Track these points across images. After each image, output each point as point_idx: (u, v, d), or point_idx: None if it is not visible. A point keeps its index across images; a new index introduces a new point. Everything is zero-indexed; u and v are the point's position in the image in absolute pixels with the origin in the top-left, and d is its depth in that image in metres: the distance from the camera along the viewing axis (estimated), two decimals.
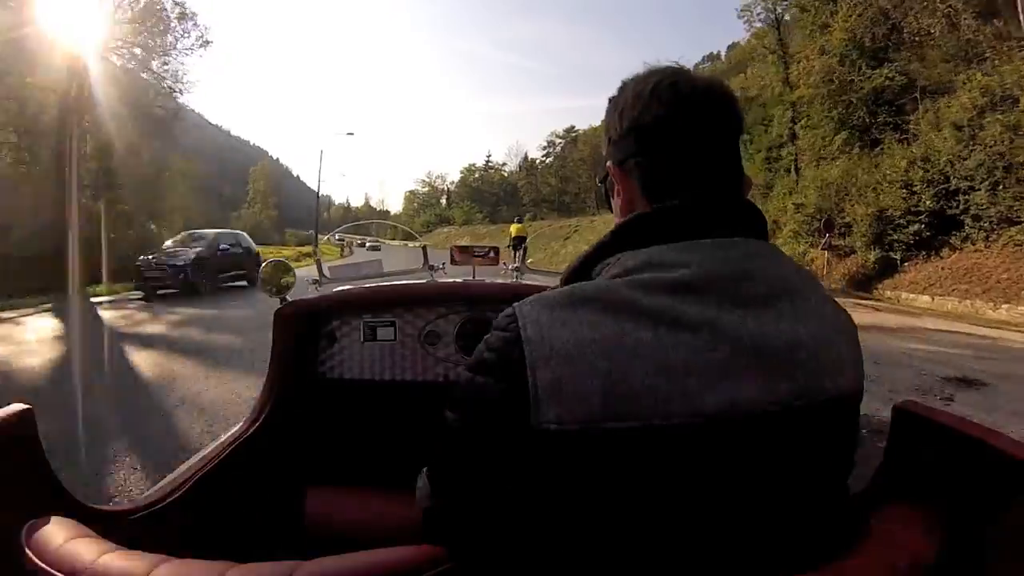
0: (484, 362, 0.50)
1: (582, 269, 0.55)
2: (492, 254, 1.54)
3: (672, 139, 0.55)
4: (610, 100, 0.61)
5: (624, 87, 0.60)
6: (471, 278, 1.47)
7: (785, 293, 0.50)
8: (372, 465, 1.25)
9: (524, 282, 1.46)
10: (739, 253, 0.50)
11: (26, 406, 0.61)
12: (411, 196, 72.61)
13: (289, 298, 1.28)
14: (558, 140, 52.73)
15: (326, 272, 1.41)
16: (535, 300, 0.50)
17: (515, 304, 0.50)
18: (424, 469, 0.58)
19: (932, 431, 0.59)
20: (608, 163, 0.60)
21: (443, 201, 66.03)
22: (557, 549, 0.48)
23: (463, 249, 1.56)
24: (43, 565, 0.43)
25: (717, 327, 0.46)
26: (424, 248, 1.53)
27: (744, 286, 0.48)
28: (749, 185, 0.59)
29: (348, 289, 1.39)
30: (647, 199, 0.56)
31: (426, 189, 71.09)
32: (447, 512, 0.54)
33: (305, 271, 1.37)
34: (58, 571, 0.42)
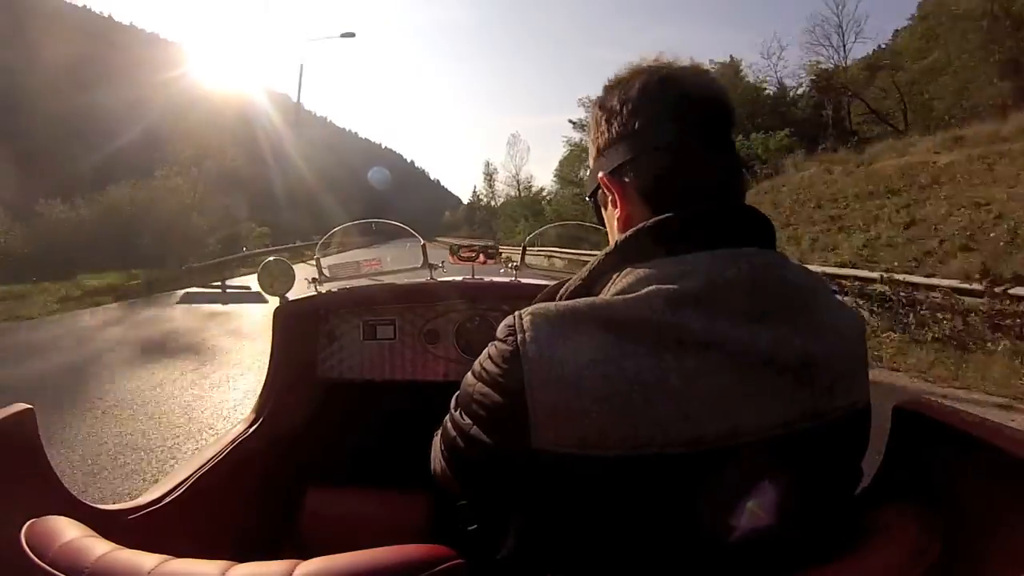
0: (486, 372, 0.49)
1: (586, 284, 0.53)
2: (491, 253, 1.54)
3: (667, 141, 0.52)
4: (594, 106, 0.58)
5: (609, 90, 0.57)
6: (471, 276, 1.46)
7: (799, 305, 0.48)
8: (372, 465, 1.25)
9: (523, 280, 1.46)
10: (749, 264, 0.47)
11: (27, 406, 0.61)
12: (571, 159, 31.54)
13: (289, 297, 1.28)
14: None
15: (325, 271, 1.41)
16: (536, 312, 0.47)
17: (516, 314, 0.49)
18: (437, 434, 0.59)
19: (932, 431, 0.59)
20: (600, 174, 0.56)
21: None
22: (558, 558, 0.48)
23: (462, 248, 1.56)
24: (43, 565, 0.43)
25: (725, 346, 0.44)
26: (423, 246, 1.52)
27: (756, 298, 0.46)
28: (746, 182, 0.56)
29: (347, 288, 1.39)
30: (649, 207, 0.53)
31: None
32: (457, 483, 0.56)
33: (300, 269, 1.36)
34: (58, 571, 0.42)
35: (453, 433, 0.54)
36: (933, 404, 0.60)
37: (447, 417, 0.56)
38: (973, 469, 0.53)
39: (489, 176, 49.40)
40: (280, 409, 1.21)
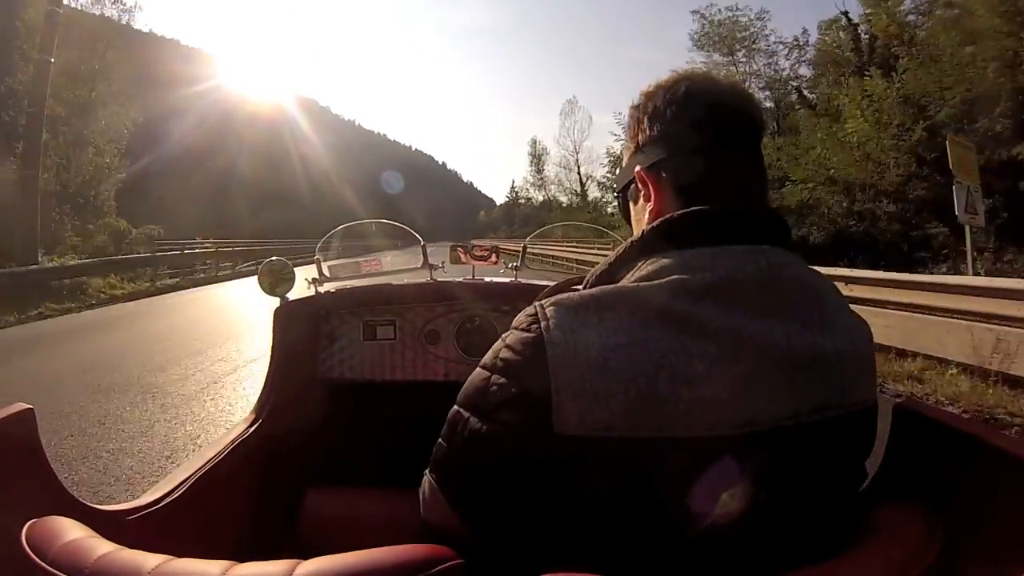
0: (504, 362, 0.49)
1: (609, 272, 0.54)
2: (492, 254, 1.54)
3: (702, 144, 0.55)
4: (634, 107, 0.61)
5: (650, 93, 0.60)
6: (471, 276, 1.46)
7: (811, 303, 0.50)
8: (372, 465, 1.25)
9: (523, 281, 1.46)
10: (767, 261, 0.49)
11: (26, 406, 0.61)
12: None
13: (289, 297, 1.28)
14: None
15: (325, 271, 1.41)
16: (558, 301, 0.48)
17: (537, 304, 0.50)
18: (426, 472, 0.57)
19: (932, 431, 0.59)
20: (636, 168, 0.59)
21: None
22: (570, 551, 0.47)
23: (463, 249, 1.57)
24: (43, 565, 0.43)
25: (742, 336, 0.45)
26: (424, 246, 1.52)
27: (772, 294, 0.48)
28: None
29: (347, 288, 1.39)
30: (682, 202, 0.55)
31: None
32: (460, 517, 0.53)
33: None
34: (58, 571, 0.42)
35: (447, 445, 0.53)
36: (932, 405, 0.60)
37: (438, 443, 0.54)
38: (973, 469, 0.54)
39: (537, 158, 37.31)
40: (280, 409, 1.20)
